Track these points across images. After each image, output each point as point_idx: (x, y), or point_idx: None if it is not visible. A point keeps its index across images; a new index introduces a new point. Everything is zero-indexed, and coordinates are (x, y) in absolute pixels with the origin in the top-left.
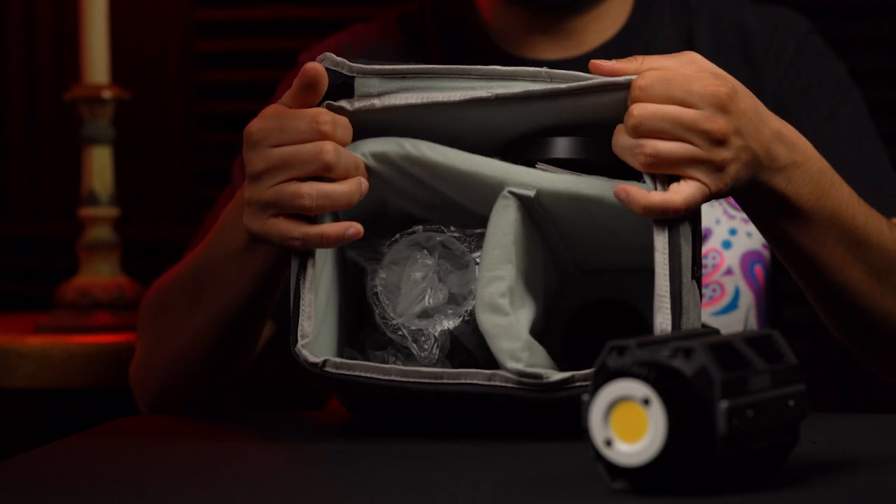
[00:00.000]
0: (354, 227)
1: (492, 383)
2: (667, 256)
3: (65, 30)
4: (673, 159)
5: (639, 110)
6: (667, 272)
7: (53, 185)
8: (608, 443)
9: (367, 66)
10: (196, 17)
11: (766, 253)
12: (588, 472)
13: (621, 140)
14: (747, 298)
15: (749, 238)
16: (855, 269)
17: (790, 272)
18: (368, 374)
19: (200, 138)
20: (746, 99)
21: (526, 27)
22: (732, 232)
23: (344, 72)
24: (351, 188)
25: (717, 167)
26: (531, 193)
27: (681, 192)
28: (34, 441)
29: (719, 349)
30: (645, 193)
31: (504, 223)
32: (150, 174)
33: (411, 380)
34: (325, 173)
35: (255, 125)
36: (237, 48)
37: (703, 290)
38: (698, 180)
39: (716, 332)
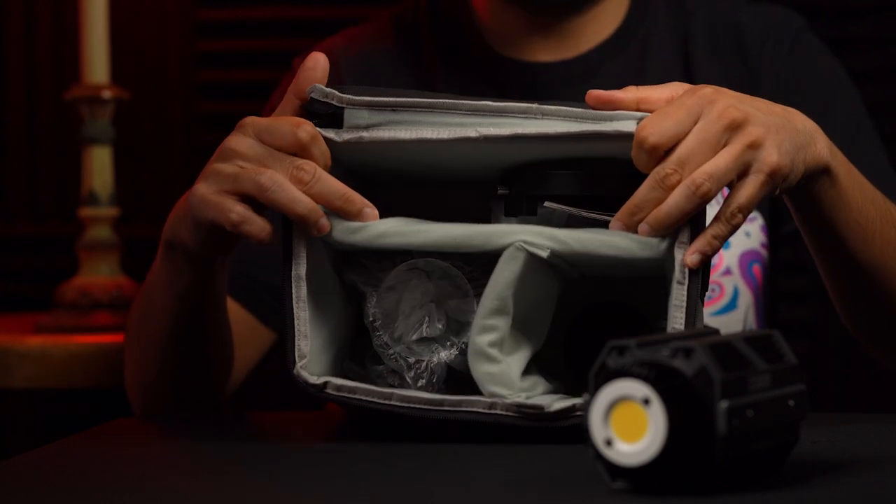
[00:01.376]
0: (269, 232)
1: (493, 412)
2: (684, 311)
3: (65, 30)
4: (717, 175)
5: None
6: (682, 323)
7: (53, 185)
8: (608, 443)
9: (357, 98)
10: (196, 17)
11: (765, 252)
12: (588, 472)
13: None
14: (746, 298)
15: (747, 238)
16: (887, 246)
17: (823, 262)
18: (369, 399)
19: (200, 138)
20: (746, 97)
21: (522, 28)
22: None
23: (333, 103)
24: (308, 205)
25: (754, 146)
26: (544, 254)
27: (740, 196)
28: (34, 441)
29: (719, 349)
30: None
31: (507, 277)
32: (150, 174)
33: (412, 405)
34: (295, 183)
35: (251, 117)
36: (237, 48)
37: None
38: (748, 174)
39: (716, 332)
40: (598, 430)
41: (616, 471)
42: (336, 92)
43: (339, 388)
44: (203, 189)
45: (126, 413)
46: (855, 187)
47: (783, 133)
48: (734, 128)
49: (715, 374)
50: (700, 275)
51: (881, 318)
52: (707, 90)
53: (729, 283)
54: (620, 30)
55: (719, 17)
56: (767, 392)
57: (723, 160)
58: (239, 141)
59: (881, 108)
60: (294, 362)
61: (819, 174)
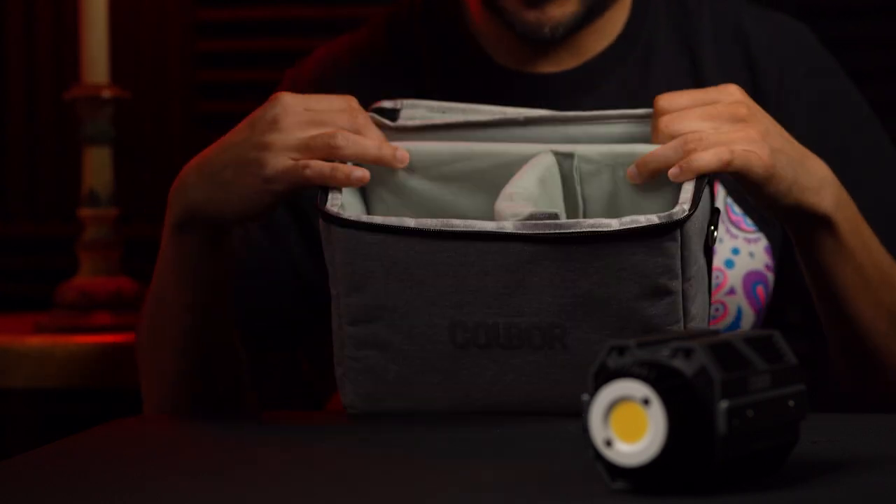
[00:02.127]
0: (361, 171)
1: (502, 230)
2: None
3: (65, 30)
4: (707, 141)
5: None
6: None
7: (53, 185)
8: (608, 443)
9: (409, 125)
10: (196, 17)
11: (769, 275)
12: (588, 472)
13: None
14: (749, 319)
15: (752, 258)
16: (879, 308)
17: (818, 305)
18: (384, 223)
19: (200, 138)
20: (766, 117)
21: (522, 43)
22: (735, 251)
23: (387, 123)
24: (381, 146)
25: (749, 140)
26: (571, 151)
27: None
28: (34, 441)
29: (719, 349)
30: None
31: (540, 163)
32: (150, 174)
33: (424, 227)
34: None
35: (284, 93)
36: (237, 48)
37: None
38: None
39: (716, 332)
40: (597, 430)
41: (616, 471)
42: (388, 123)
43: (357, 217)
44: (274, 163)
45: (126, 413)
46: (858, 245)
47: (783, 152)
48: (737, 119)
49: (715, 374)
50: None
51: (861, 364)
52: (739, 97)
53: (732, 304)
54: (622, 36)
55: (721, 18)
56: (767, 392)
57: (715, 133)
58: (287, 106)
59: (881, 108)
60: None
61: (818, 222)
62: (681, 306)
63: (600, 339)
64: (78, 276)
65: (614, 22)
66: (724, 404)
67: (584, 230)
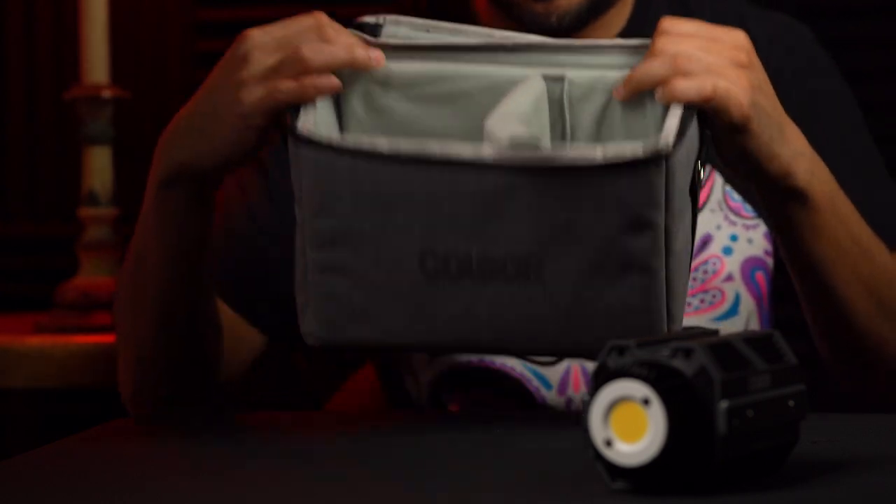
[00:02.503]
0: (329, 79)
1: (479, 159)
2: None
3: (65, 30)
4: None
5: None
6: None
7: (53, 185)
8: (608, 443)
9: (390, 43)
10: (196, 17)
11: (769, 260)
12: (588, 472)
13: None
14: (748, 305)
15: (750, 244)
16: (857, 285)
17: (796, 283)
18: (355, 146)
19: None
20: (762, 72)
21: None
22: (733, 238)
23: (367, 39)
24: (353, 49)
25: (737, 84)
26: (562, 74)
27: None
28: (34, 441)
29: (719, 349)
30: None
31: (532, 86)
32: None
33: (398, 152)
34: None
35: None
36: None
37: (704, 296)
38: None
39: (715, 332)
40: (597, 430)
41: (616, 471)
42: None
43: (330, 140)
44: (246, 97)
45: (126, 413)
46: (834, 219)
47: (764, 110)
48: (734, 62)
49: (715, 374)
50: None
51: (846, 347)
52: (743, 43)
53: (730, 290)
54: (624, 33)
55: (722, 18)
56: (767, 392)
57: (706, 64)
58: (253, 39)
59: (881, 108)
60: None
61: (791, 194)
62: (663, 242)
63: (578, 272)
64: (78, 276)
65: (617, 18)
66: (724, 404)
67: (566, 163)
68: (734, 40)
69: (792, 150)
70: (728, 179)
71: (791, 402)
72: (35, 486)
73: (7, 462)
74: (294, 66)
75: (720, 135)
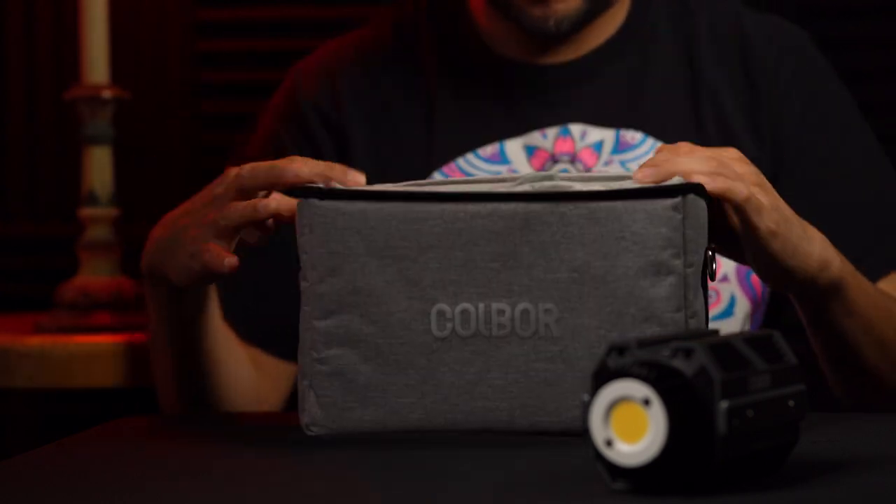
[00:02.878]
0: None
1: (495, 190)
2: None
3: (65, 30)
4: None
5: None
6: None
7: (53, 185)
8: (608, 443)
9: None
10: (196, 17)
11: None
12: (588, 472)
13: None
14: (744, 307)
15: None
16: (884, 347)
17: (815, 346)
18: (367, 189)
19: (200, 138)
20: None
21: (524, 37)
22: None
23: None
24: (311, 165)
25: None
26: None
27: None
28: (34, 441)
29: (719, 349)
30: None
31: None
32: (150, 174)
33: (410, 191)
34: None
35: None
36: (237, 48)
37: None
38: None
39: (715, 332)
40: (598, 430)
41: (616, 471)
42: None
43: None
44: (191, 247)
45: (126, 413)
46: (862, 297)
47: (787, 215)
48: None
49: (715, 374)
50: None
51: (862, 381)
52: (739, 155)
53: (726, 291)
54: (622, 30)
55: (720, 18)
56: (767, 392)
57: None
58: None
59: (881, 108)
60: None
61: (828, 289)
62: (682, 292)
63: (597, 327)
64: (78, 276)
65: (616, 16)
66: (724, 404)
67: (582, 190)
68: (732, 153)
69: (819, 244)
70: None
71: (791, 402)
72: (35, 486)
73: (7, 462)
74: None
75: (752, 241)
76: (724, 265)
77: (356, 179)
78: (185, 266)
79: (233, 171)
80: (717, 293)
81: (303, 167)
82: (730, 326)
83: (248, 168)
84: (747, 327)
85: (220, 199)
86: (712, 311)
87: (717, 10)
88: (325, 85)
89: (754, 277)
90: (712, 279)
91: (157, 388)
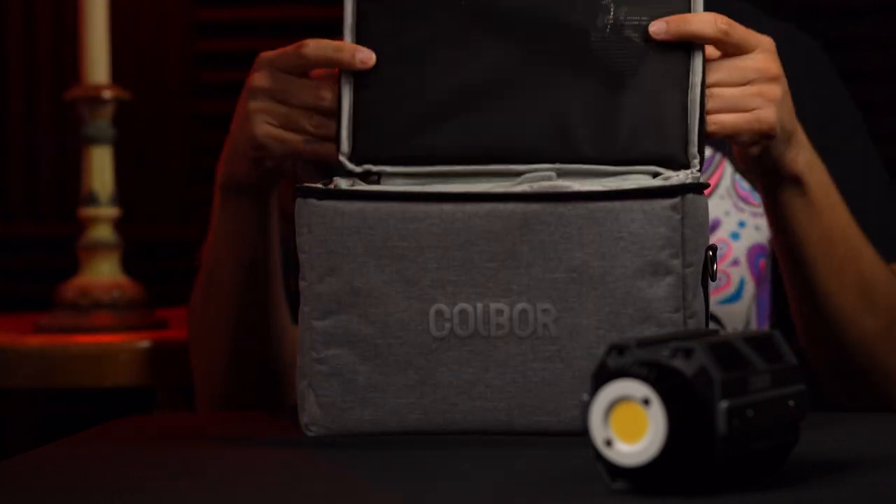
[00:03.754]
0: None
1: (493, 190)
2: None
3: (65, 30)
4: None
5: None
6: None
7: (53, 185)
8: (608, 443)
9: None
10: (196, 17)
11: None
12: (588, 472)
13: None
14: (750, 290)
15: (757, 231)
16: (844, 278)
17: (785, 276)
18: (365, 189)
19: (200, 138)
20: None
21: None
22: (741, 224)
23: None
24: (342, 47)
25: (769, 100)
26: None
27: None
28: (34, 441)
29: (719, 349)
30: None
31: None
32: (150, 174)
33: (408, 190)
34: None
35: (264, 53)
36: (237, 48)
37: None
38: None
39: (715, 332)
40: (597, 430)
41: (616, 471)
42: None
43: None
44: (256, 129)
45: (126, 413)
46: (827, 209)
47: (786, 122)
48: (769, 78)
49: (715, 374)
50: None
51: (832, 346)
52: (774, 68)
53: (736, 274)
54: None
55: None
56: (767, 392)
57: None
58: (260, 77)
59: (881, 108)
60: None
61: (789, 180)
62: (681, 293)
63: (595, 328)
64: (78, 276)
65: None
66: (724, 404)
67: (581, 190)
68: (766, 47)
69: (797, 147)
70: (738, 170)
71: (791, 402)
72: (35, 486)
73: (7, 462)
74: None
75: (742, 145)
76: (735, 249)
77: (365, 59)
78: (253, 157)
79: (265, 57)
80: (728, 276)
81: (310, 51)
82: (737, 310)
83: (264, 60)
84: (753, 308)
85: (258, 92)
86: (721, 295)
87: (731, 11)
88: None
89: (762, 262)
90: (713, 279)
91: (203, 348)
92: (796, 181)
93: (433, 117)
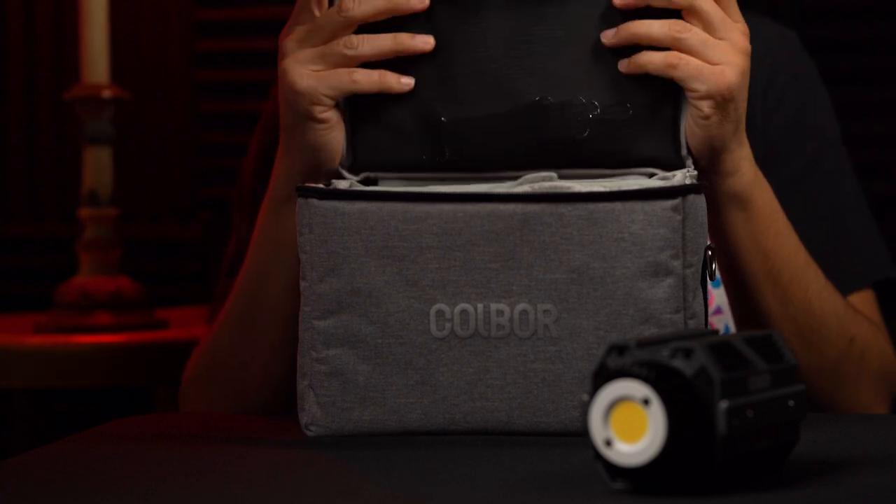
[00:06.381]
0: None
1: (494, 191)
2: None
3: (65, 30)
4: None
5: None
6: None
7: (53, 185)
8: (608, 443)
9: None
10: (196, 17)
11: None
12: (588, 471)
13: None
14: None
15: None
16: (791, 308)
17: (729, 295)
18: (366, 190)
19: (200, 138)
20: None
21: None
22: None
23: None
24: (392, 39)
25: (734, 63)
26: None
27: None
28: (34, 441)
29: (719, 349)
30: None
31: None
32: (150, 174)
33: (409, 191)
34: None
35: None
36: (237, 48)
37: None
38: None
39: (715, 332)
40: (597, 430)
41: (616, 471)
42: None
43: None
44: (298, 82)
45: (126, 412)
46: (770, 231)
47: (739, 103)
48: (737, 48)
49: (715, 374)
50: None
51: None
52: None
53: (720, 323)
54: None
55: None
56: (767, 392)
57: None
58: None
59: (881, 108)
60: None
61: (733, 196)
62: (681, 294)
63: (595, 329)
64: (78, 276)
65: None
66: (724, 404)
67: (581, 191)
68: (740, 30)
69: (744, 151)
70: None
71: (791, 402)
72: (35, 486)
73: (7, 462)
74: (340, 57)
75: (694, 107)
76: (717, 297)
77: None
78: (310, 114)
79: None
80: (711, 326)
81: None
82: (721, 323)
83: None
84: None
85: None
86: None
87: None
88: None
89: None
90: (712, 279)
91: (236, 382)
92: (740, 198)
93: (431, 125)
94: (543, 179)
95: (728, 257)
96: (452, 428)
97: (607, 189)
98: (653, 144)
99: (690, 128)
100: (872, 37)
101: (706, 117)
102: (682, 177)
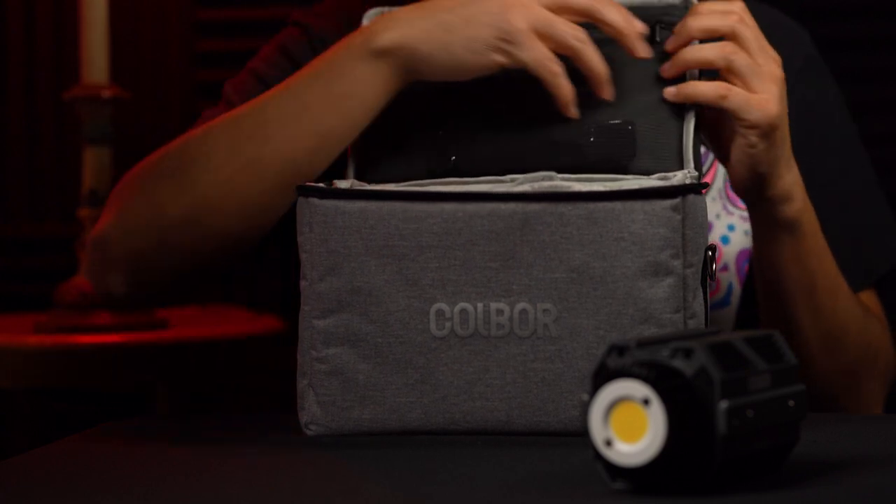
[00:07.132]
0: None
1: (495, 190)
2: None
3: (65, 30)
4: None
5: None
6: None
7: (53, 185)
8: (608, 443)
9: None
10: (196, 17)
11: None
12: (588, 471)
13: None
14: (737, 293)
15: (746, 236)
16: (821, 316)
17: (762, 302)
18: (366, 189)
19: None
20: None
21: None
22: (731, 228)
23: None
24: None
25: (776, 95)
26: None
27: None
28: (34, 441)
29: (719, 349)
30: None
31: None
32: None
33: (410, 190)
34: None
35: None
36: (237, 48)
37: None
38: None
39: (716, 332)
40: (597, 430)
41: (616, 471)
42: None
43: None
44: (519, 53)
45: (126, 413)
46: (814, 251)
47: (785, 130)
48: (772, 77)
49: (715, 374)
50: None
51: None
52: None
53: (724, 280)
54: None
55: None
56: (767, 392)
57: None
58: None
59: (881, 108)
60: None
61: (784, 220)
62: (681, 293)
63: (595, 328)
64: (78, 276)
65: None
66: (724, 404)
67: (581, 190)
68: (774, 54)
69: (794, 176)
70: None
71: (791, 402)
72: (35, 486)
73: (7, 462)
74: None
75: (741, 136)
76: (725, 254)
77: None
78: (489, 45)
79: None
80: (717, 282)
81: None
82: (726, 315)
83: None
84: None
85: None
86: (711, 299)
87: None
88: (343, 20)
89: (746, 267)
90: (712, 279)
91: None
92: (790, 224)
93: (434, 135)
94: (543, 179)
95: (770, 274)
96: (452, 427)
97: (607, 188)
98: (657, 156)
99: (738, 156)
100: (872, 36)
101: (753, 146)
102: (683, 177)
